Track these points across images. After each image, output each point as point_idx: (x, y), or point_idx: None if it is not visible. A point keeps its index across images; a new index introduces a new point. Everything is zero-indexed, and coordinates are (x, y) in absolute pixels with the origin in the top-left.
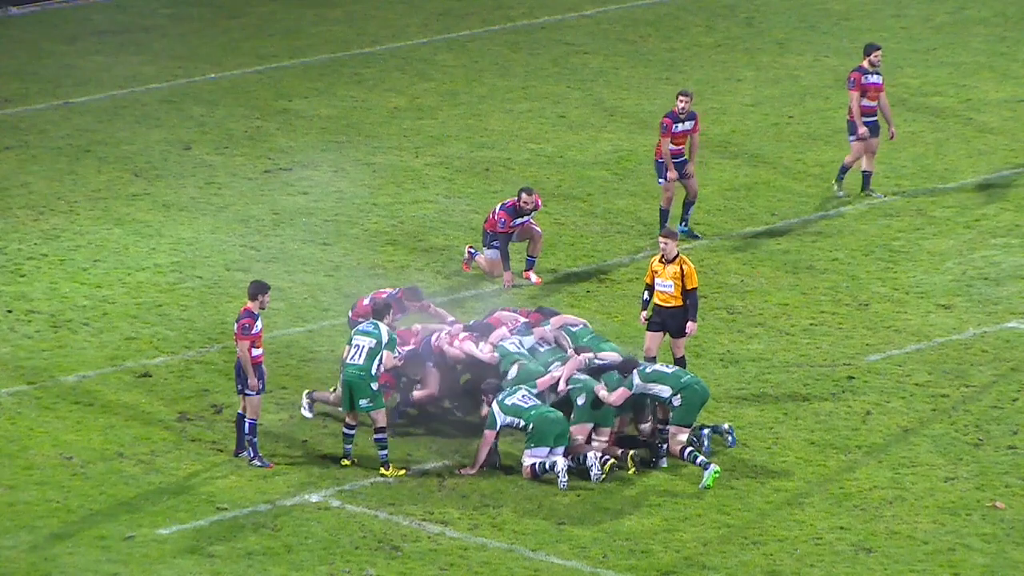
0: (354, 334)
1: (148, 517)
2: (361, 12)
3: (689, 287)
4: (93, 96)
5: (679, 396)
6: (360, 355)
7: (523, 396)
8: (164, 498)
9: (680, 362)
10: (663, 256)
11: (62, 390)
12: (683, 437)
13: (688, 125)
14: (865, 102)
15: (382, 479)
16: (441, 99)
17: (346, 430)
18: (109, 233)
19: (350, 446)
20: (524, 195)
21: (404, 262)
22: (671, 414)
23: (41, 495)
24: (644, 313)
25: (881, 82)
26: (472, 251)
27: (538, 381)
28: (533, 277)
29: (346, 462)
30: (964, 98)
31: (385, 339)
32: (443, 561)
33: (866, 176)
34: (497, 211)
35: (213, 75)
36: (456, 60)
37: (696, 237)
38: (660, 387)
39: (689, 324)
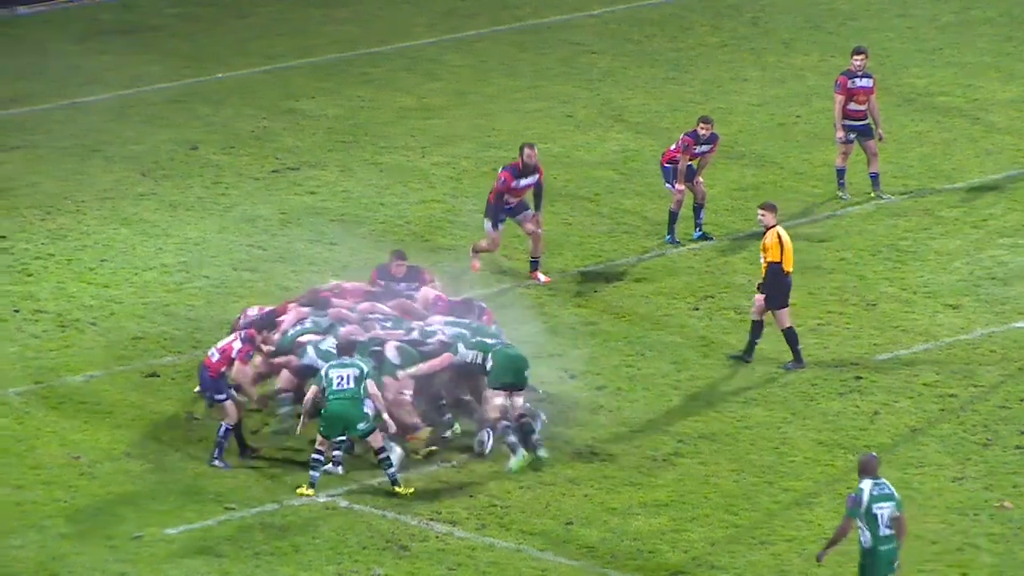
0: (330, 367)
1: (156, 516)
2: (369, 12)
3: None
4: (100, 96)
5: (489, 358)
6: (348, 381)
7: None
8: (172, 498)
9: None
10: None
11: (69, 390)
12: (499, 401)
13: (706, 148)
14: (853, 105)
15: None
16: (449, 99)
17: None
18: (116, 233)
19: (317, 473)
20: (527, 149)
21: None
22: (487, 378)
23: (48, 495)
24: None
25: (871, 85)
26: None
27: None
28: (541, 277)
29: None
30: (971, 98)
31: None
32: (451, 561)
33: (873, 178)
34: (500, 173)
35: (220, 75)
36: (464, 60)
37: (709, 239)
38: (476, 353)
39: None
